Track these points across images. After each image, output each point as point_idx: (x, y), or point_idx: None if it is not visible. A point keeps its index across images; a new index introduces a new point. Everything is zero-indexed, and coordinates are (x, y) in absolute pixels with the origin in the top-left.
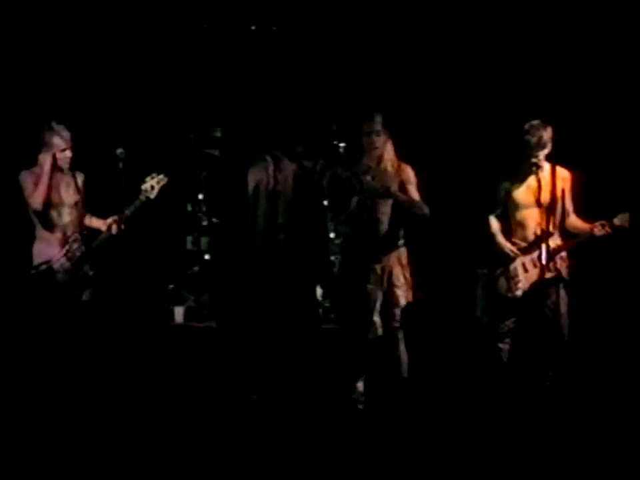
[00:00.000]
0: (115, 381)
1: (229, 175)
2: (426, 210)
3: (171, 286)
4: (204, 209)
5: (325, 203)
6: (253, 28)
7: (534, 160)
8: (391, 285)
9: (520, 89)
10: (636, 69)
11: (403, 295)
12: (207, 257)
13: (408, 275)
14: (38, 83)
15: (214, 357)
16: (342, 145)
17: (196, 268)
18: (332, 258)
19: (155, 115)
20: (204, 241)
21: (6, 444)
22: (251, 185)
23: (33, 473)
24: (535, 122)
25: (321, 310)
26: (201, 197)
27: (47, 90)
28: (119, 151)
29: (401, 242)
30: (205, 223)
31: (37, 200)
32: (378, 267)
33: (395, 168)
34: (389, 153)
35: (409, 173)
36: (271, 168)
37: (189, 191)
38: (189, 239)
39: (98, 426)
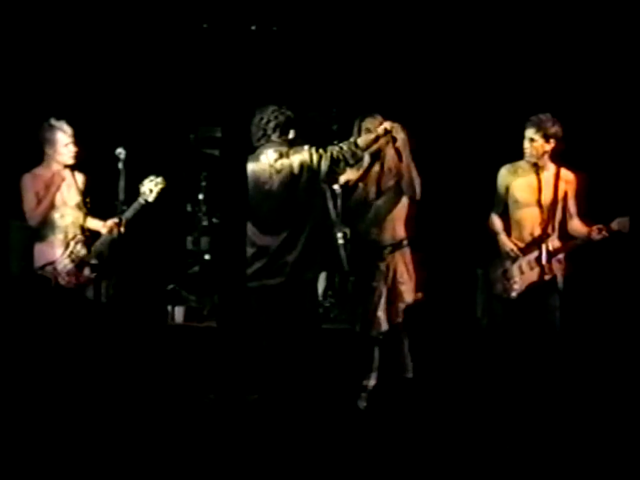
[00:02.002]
0: (115, 381)
1: (229, 174)
2: (417, 188)
3: (171, 286)
4: (204, 209)
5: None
6: (253, 28)
7: (528, 155)
8: (395, 281)
9: (523, 89)
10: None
11: (407, 291)
12: (207, 256)
13: (411, 274)
14: (37, 83)
15: (214, 357)
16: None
17: (196, 268)
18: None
19: (155, 115)
20: (204, 240)
21: (6, 443)
22: (248, 184)
23: (32, 473)
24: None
25: (321, 310)
26: (201, 197)
27: (47, 90)
28: (119, 150)
29: (405, 242)
30: (205, 223)
31: (36, 218)
32: (382, 265)
33: (395, 170)
34: (390, 154)
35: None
36: (267, 167)
37: (188, 191)
38: (189, 239)
39: (98, 425)
